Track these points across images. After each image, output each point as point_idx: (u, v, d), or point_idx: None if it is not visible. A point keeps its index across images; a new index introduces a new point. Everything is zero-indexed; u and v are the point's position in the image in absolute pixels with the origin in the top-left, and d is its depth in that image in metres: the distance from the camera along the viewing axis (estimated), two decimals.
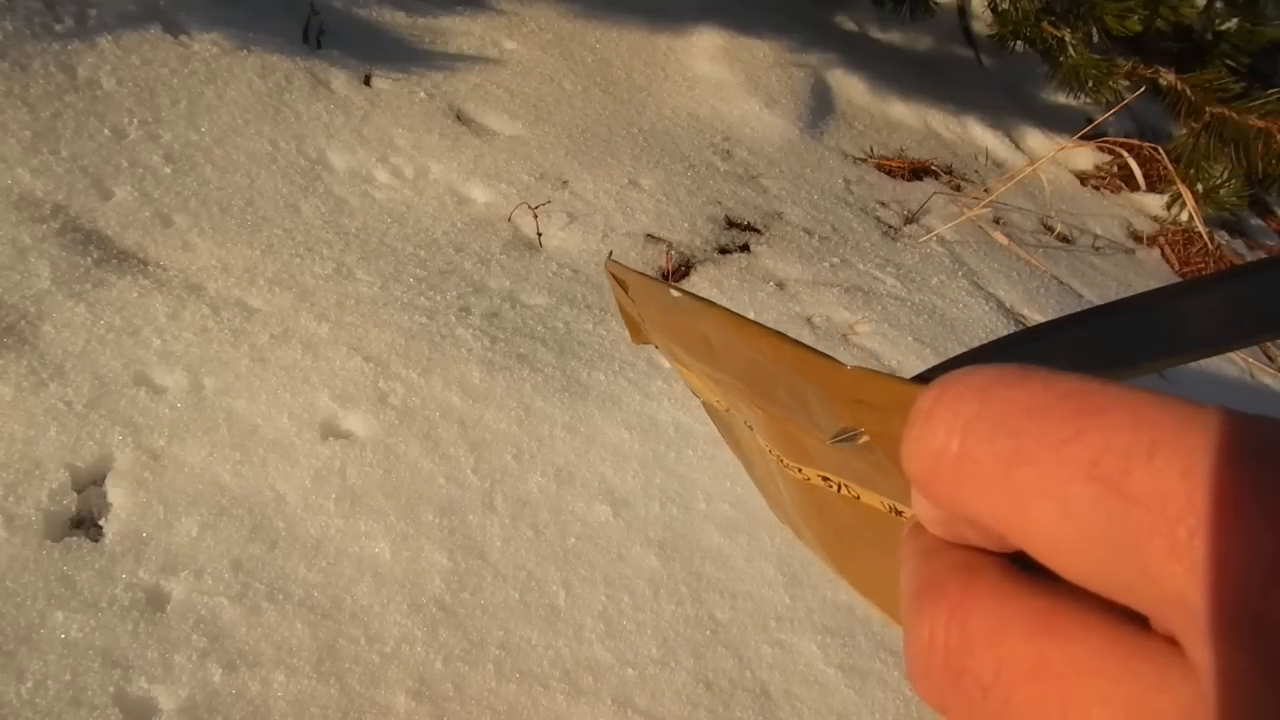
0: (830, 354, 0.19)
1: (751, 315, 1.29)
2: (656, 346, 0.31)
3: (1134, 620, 0.13)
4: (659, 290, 0.27)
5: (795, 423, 0.23)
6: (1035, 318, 1.51)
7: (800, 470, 0.25)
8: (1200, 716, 0.12)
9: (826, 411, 0.20)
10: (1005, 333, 1.41)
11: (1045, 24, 2.03)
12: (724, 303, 1.29)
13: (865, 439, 0.19)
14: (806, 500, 0.27)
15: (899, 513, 0.22)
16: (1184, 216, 2.07)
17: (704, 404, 0.33)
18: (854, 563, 0.28)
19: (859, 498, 0.23)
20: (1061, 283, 1.67)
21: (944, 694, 0.15)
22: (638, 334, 0.32)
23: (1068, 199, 2.07)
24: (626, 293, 0.30)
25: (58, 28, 1.37)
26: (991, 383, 0.14)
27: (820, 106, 2.01)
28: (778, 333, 0.21)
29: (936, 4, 2.27)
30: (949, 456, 0.14)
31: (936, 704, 0.15)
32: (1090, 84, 1.97)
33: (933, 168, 1.97)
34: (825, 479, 0.24)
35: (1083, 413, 0.13)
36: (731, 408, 0.28)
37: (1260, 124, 1.86)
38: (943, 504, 0.15)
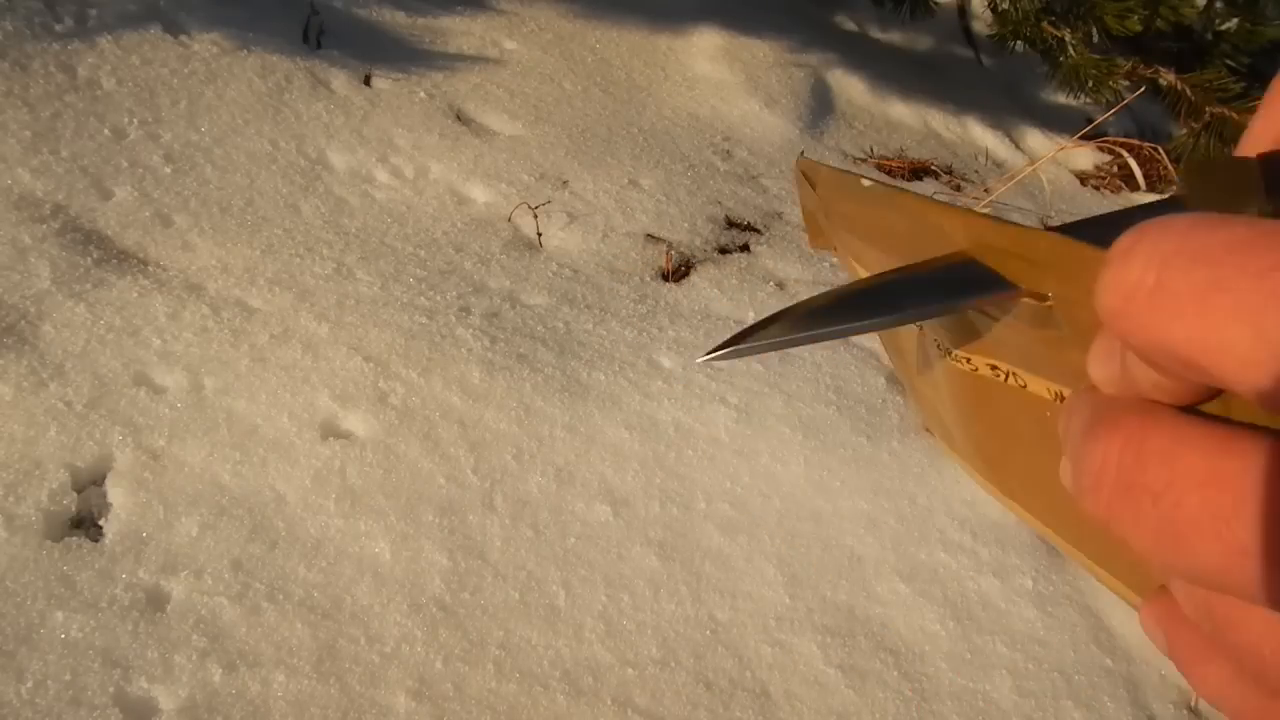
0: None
1: (751, 315, 1.29)
2: (836, 250, 0.31)
3: None
4: (850, 182, 0.27)
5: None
6: None
7: (969, 360, 0.25)
8: None
9: (1014, 281, 0.20)
10: None
11: (1045, 24, 2.03)
12: (725, 302, 1.29)
13: (1051, 302, 0.20)
14: (969, 396, 0.27)
15: (1064, 399, 0.22)
16: None
17: None
18: (1009, 463, 0.29)
19: (1026, 387, 0.24)
20: None
21: (1112, 505, 0.15)
22: (819, 237, 0.33)
23: (1068, 199, 2.07)
24: (815, 189, 0.31)
25: (58, 28, 1.37)
26: (1193, 224, 0.15)
27: (820, 106, 2.01)
28: (970, 209, 0.21)
29: (936, 4, 2.27)
30: (1145, 288, 0.15)
31: (1104, 515, 0.16)
32: (1090, 84, 1.97)
33: (933, 168, 1.97)
34: (994, 368, 0.25)
35: None
36: None
37: None
38: (1133, 336, 0.15)
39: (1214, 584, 0.14)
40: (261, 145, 1.35)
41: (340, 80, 1.55)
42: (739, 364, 1.18)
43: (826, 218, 0.31)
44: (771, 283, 1.37)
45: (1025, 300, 0.20)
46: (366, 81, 1.58)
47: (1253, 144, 0.22)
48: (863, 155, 1.92)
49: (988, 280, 0.20)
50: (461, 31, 1.83)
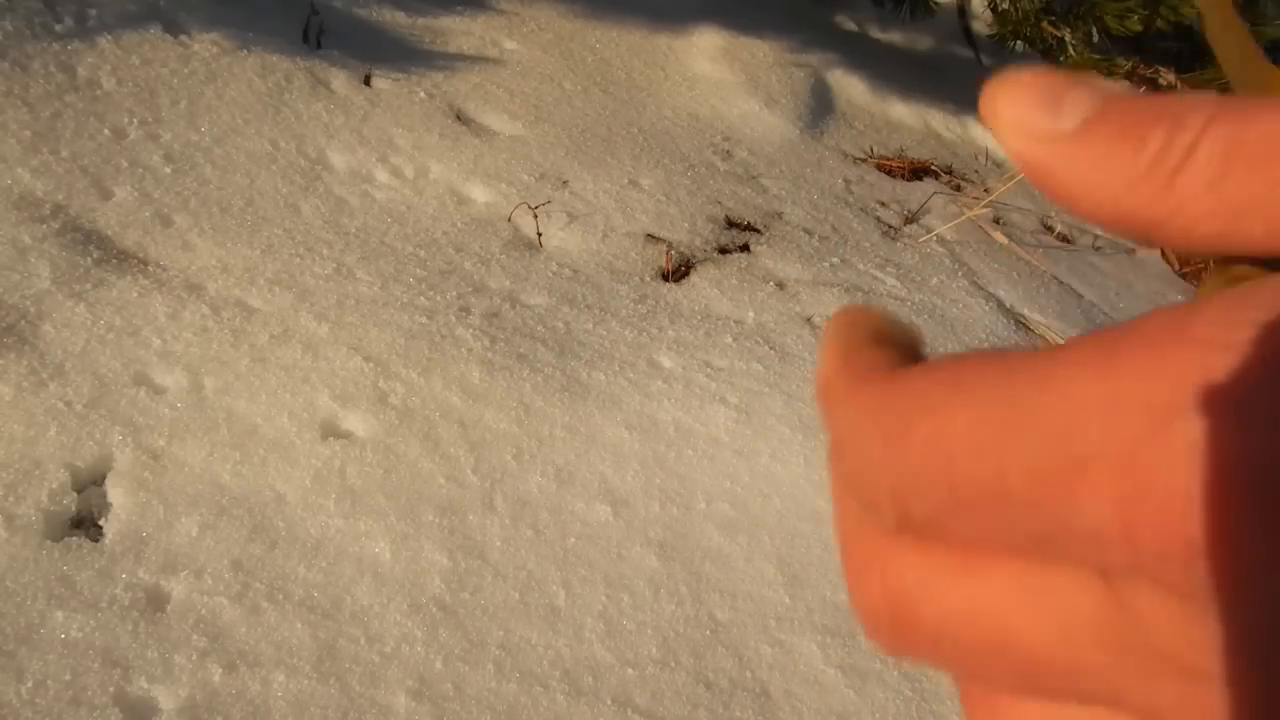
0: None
1: (751, 315, 1.29)
2: None
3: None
4: None
5: None
6: (1035, 318, 1.51)
7: None
8: (1113, 619, 0.12)
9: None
10: (1006, 333, 1.41)
11: (1045, 24, 2.03)
12: (725, 302, 1.29)
13: None
14: None
15: None
16: None
17: None
18: None
19: None
20: (1061, 283, 1.67)
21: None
22: None
23: None
24: None
25: (58, 28, 1.37)
26: None
27: (820, 106, 2.01)
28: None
29: (936, 4, 2.27)
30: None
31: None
32: None
33: (933, 168, 1.97)
34: None
35: None
36: None
37: None
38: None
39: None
40: (261, 145, 1.35)
41: (340, 80, 1.55)
42: (739, 364, 1.18)
43: None
44: (771, 283, 1.37)
45: None
46: (366, 81, 1.58)
47: None
48: (863, 155, 1.92)
49: None
50: (461, 31, 1.83)
